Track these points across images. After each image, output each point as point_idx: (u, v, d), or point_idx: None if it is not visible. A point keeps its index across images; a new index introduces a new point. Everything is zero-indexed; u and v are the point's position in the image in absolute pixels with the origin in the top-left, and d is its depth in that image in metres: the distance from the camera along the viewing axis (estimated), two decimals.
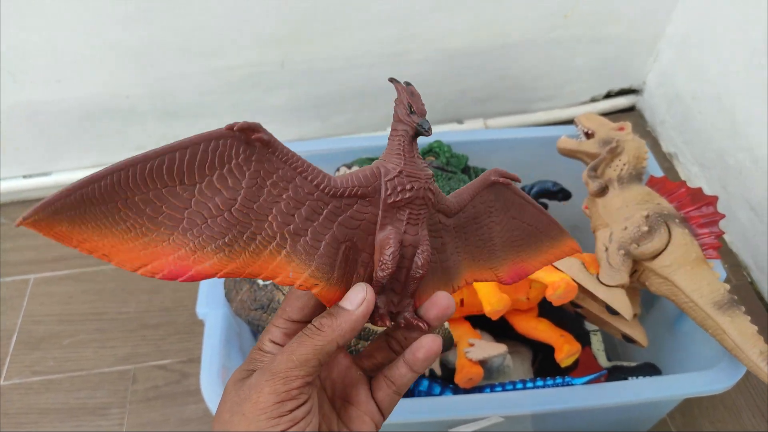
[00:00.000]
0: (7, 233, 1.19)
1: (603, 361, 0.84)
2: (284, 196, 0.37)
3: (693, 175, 1.23)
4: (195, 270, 0.35)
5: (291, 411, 0.35)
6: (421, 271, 0.40)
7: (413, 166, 0.39)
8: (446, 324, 0.69)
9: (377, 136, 1.21)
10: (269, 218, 0.36)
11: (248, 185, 0.36)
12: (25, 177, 1.23)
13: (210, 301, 0.75)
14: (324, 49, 1.16)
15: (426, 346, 0.40)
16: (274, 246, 0.36)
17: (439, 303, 0.40)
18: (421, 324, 0.40)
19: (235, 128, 0.34)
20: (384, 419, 0.42)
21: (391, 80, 0.41)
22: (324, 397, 0.41)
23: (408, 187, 0.39)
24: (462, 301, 0.76)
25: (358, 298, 0.37)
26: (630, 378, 0.79)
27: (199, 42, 1.09)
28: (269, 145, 0.36)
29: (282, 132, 1.26)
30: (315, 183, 0.37)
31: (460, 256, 0.43)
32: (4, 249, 1.16)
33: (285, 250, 0.36)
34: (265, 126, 0.37)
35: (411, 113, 0.39)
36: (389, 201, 0.39)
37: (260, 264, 0.36)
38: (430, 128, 0.39)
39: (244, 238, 0.36)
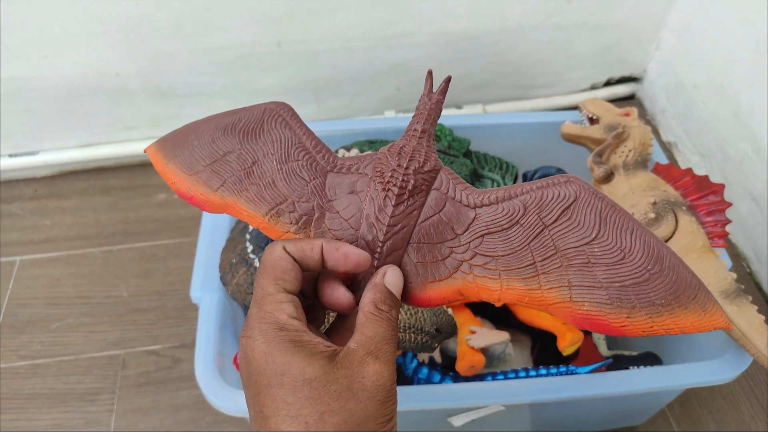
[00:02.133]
0: None
1: (604, 350, 0.83)
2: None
3: (693, 165, 1.21)
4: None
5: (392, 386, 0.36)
6: None
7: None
8: (449, 310, 0.67)
9: (375, 119, 1.19)
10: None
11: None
12: (11, 156, 1.19)
13: (204, 285, 0.73)
14: (320, 30, 1.13)
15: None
16: None
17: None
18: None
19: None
20: None
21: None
22: None
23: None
24: None
25: (401, 284, 0.40)
26: (631, 367, 0.78)
27: (191, 19, 1.06)
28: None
29: None
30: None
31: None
32: None
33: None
34: None
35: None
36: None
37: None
38: None
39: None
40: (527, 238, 0.38)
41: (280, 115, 0.43)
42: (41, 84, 1.10)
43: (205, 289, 0.72)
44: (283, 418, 0.33)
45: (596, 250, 0.37)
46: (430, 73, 0.45)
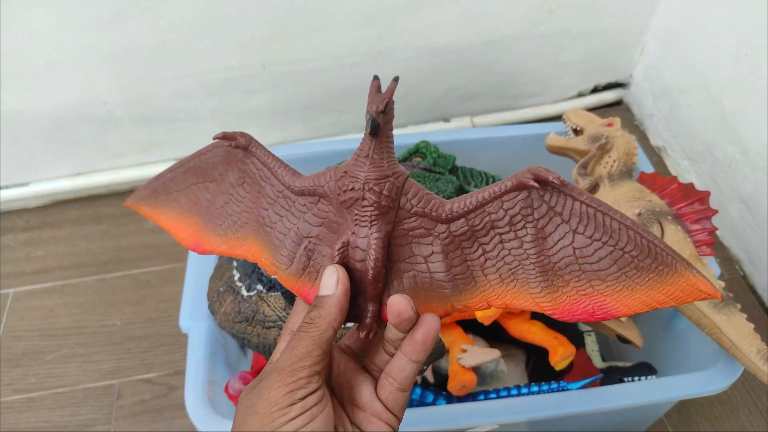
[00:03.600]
0: None
1: (598, 362, 0.83)
2: (263, 193, 0.43)
3: (682, 169, 1.21)
4: (203, 247, 0.46)
5: (302, 399, 0.36)
6: (370, 274, 0.39)
7: (357, 166, 0.39)
8: None
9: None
10: (252, 211, 0.44)
11: (237, 183, 0.45)
12: (2, 188, 1.20)
13: (193, 314, 0.73)
14: (305, 49, 1.13)
15: (423, 325, 0.39)
16: (255, 235, 0.44)
17: (392, 308, 0.39)
18: (369, 326, 0.40)
19: (213, 137, 0.44)
20: (398, 419, 0.41)
21: (375, 78, 0.40)
22: (335, 401, 0.41)
23: (349, 187, 0.39)
24: None
25: (333, 281, 0.39)
26: (626, 378, 0.78)
27: (176, 45, 1.07)
28: (247, 149, 0.43)
29: (265, 136, 1.24)
30: (283, 182, 0.43)
31: (473, 270, 0.40)
32: None
33: (261, 240, 0.44)
34: (246, 130, 0.44)
35: (368, 111, 0.38)
36: (340, 200, 0.40)
37: (245, 248, 0.44)
38: (375, 127, 0.37)
39: (234, 226, 0.45)
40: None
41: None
42: (29, 116, 1.11)
43: (194, 318, 0.72)
44: None
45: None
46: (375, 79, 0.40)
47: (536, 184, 0.36)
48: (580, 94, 1.37)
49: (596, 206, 0.37)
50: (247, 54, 1.11)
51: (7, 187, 1.20)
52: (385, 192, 0.38)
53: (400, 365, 0.40)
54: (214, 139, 0.44)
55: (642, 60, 1.31)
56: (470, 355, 0.73)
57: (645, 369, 0.80)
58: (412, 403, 0.74)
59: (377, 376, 0.42)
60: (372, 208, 0.39)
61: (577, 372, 0.83)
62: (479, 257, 0.39)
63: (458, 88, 1.28)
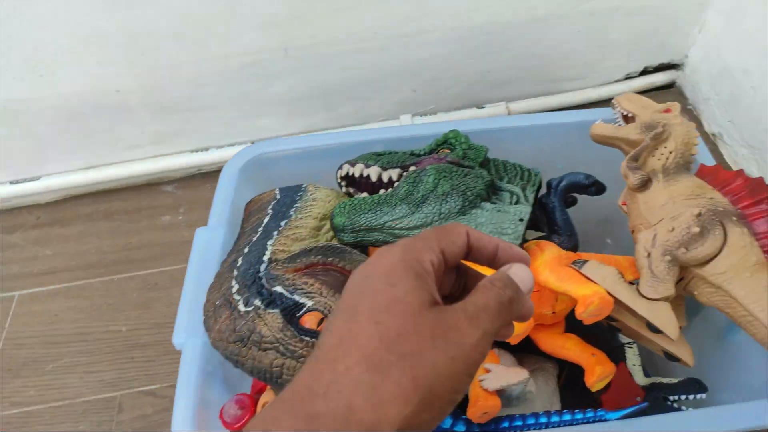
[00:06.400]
0: None
1: (640, 378, 0.72)
2: None
3: (741, 158, 1.09)
4: None
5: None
6: None
7: None
8: None
9: (388, 128, 1.10)
10: None
11: None
12: (12, 183, 1.15)
13: (189, 328, 0.66)
14: (329, 31, 1.05)
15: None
16: None
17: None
18: None
19: None
20: None
21: None
22: None
23: None
24: None
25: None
26: (671, 397, 0.68)
27: (193, 27, 1.00)
28: None
29: (285, 125, 1.17)
30: None
31: None
32: None
33: None
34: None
35: None
36: None
37: None
38: None
39: None
40: None
41: None
42: (39, 105, 1.05)
43: (190, 332, 0.65)
44: (367, 313, 0.36)
45: None
46: None
47: None
48: (628, 77, 1.26)
49: None
50: (266, 36, 1.03)
51: (17, 181, 1.15)
52: None
53: None
54: None
55: (700, 38, 1.18)
56: (494, 376, 0.64)
57: (694, 386, 0.69)
58: None
59: None
60: None
61: (616, 390, 0.72)
62: None
63: (494, 71, 1.18)
